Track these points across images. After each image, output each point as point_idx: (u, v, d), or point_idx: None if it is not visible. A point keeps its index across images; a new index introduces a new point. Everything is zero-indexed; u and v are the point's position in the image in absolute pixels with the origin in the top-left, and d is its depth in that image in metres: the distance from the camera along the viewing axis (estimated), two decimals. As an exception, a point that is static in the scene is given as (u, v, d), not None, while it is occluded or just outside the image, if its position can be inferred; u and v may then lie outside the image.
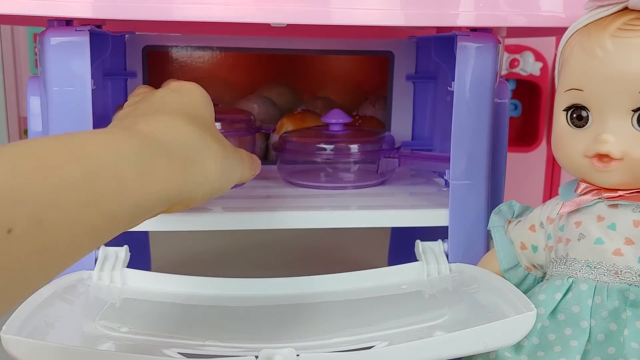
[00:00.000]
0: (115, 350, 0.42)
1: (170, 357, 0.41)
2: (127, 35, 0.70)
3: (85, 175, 0.33)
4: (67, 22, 0.51)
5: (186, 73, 0.74)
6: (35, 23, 0.66)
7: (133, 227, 0.38)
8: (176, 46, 0.73)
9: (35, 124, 0.54)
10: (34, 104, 0.54)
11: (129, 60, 0.71)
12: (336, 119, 0.65)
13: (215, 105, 0.63)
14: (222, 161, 0.44)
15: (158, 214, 0.40)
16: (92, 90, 0.50)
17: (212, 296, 0.53)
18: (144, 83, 0.71)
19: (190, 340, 0.44)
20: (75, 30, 0.50)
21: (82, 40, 0.50)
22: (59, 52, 0.49)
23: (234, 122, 0.64)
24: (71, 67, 0.50)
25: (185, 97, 0.46)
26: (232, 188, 0.48)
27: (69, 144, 0.34)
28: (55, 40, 0.49)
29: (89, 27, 0.50)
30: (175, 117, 0.43)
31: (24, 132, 1.32)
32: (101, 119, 0.68)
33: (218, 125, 0.60)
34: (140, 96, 0.48)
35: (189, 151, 0.41)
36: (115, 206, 0.34)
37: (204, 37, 0.72)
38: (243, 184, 0.59)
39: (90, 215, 0.33)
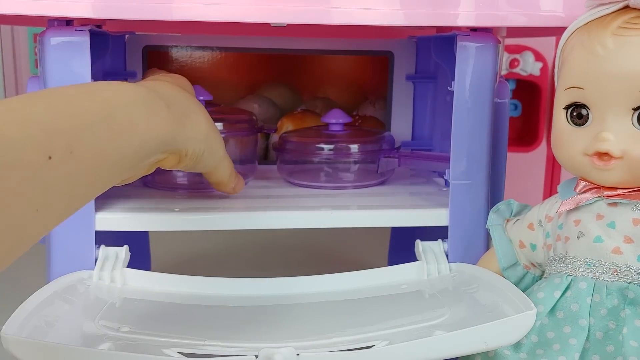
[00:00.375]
0: (115, 350, 0.42)
1: (171, 356, 0.41)
2: (127, 35, 0.70)
3: (104, 114, 0.37)
4: (67, 22, 0.51)
5: (186, 73, 0.74)
6: (35, 23, 0.66)
7: (136, 170, 0.43)
8: (176, 46, 0.73)
9: (35, 124, 0.54)
10: (34, 104, 0.54)
11: (129, 60, 0.71)
12: (336, 118, 0.65)
13: (216, 105, 0.63)
14: (209, 126, 0.49)
15: (156, 161, 0.45)
16: (92, 90, 0.50)
17: (212, 296, 0.53)
18: (144, 83, 0.71)
19: (191, 340, 0.44)
20: (75, 30, 0.50)
21: (82, 40, 0.50)
22: (59, 52, 0.49)
23: (236, 122, 0.64)
24: (71, 67, 0.50)
25: (176, 83, 0.50)
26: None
27: (88, 89, 0.40)
28: (55, 40, 0.49)
29: (89, 27, 0.50)
30: (169, 84, 0.48)
31: (24, 132, 1.32)
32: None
33: (220, 125, 0.60)
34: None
35: (184, 107, 0.47)
36: (127, 142, 0.39)
37: (204, 37, 0.72)
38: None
39: (108, 149, 0.37)
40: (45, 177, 0.32)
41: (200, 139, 0.48)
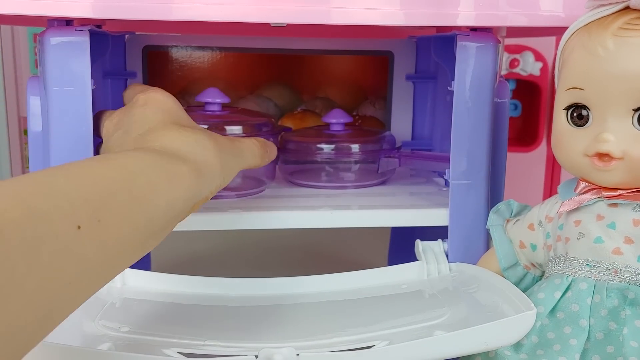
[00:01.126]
0: (115, 350, 0.42)
1: (171, 356, 0.41)
2: (127, 35, 0.70)
3: (124, 180, 0.37)
4: (67, 22, 0.51)
5: (186, 73, 0.74)
6: (35, 23, 0.66)
7: (169, 230, 0.41)
8: (176, 46, 0.73)
9: (35, 124, 0.54)
10: (34, 104, 0.54)
11: (129, 60, 0.71)
12: (337, 118, 0.65)
13: (232, 107, 0.60)
14: (220, 155, 0.46)
15: (185, 217, 0.43)
16: (92, 90, 0.50)
17: (212, 296, 0.53)
18: (144, 83, 0.71)
19: (191, 340, 0.44)
20: (75, 30, 0.50)
21: (82, 40, 0.50)
22: (59, 52, 0.49)
23: (256, 125, 0.62)
24: (71, 67, 0.50)
25: (158, 106, 0.48)
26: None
27: (106, 158, 0.39)
28: (55, 40, 0.49)
29: (89, 27, 0.50)
30: (167, 127, 0.46)
31: (24, 132, 1.32)
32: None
33: (239, 129, 0.59)
34: (116, 119, 0.49)
35: (194, 154, 0.44)
36: (152, 207, 0.38)
37: (204, 37, 0.72)
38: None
39: (134, 214, 0.36)
40: (76, 248, 0.32)
41: (216, 175, 0.45)
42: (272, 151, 0.54)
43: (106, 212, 0.34)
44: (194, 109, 0.61)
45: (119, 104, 0.70)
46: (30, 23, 0.72)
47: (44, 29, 0.51)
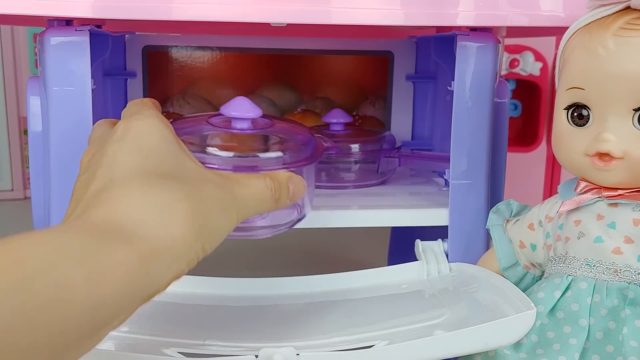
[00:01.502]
0: (115, 349, 0.42)
1: (170, 356, 0.41)
2: (127, 35, 0.70)
3: (15, 285, 0.28)
4: (67, 22, 0.51)
5: (186, 73, 0.74)
6: (35, 23, 0.66)
7: (102, 334, 0.31)
8: (176, 46, 0.73)
9: (35, 124, 0.54)
10: (34, 104, 0.54)
11: (129, 60, 0.71)
12: (337, 118, 0.65)
13: (272, 117, 0.52)
14: (195, 221, 0.36)
15: (133, 312, 0.33)
16: (92, 90, 0.50)
17: (212, 296, 0.53)
18: (144, 83, 0.71)
19: (190, 339, 0.44)
20: (75, 30, 0.50)
21: (82, 40, 0.50)
22: (59, 52, 0.49)
23: (294, 151, 0.50)
24: (71, 67, 0.50)
25: (137, 143, 0.38)
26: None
27: (6, 247, 0.29)
28: (55, 40, 0.49)
29: (89, 27, 0.50)
30: (130, 185, 0.36)
31: (23, 132, 1.32)
32: (101, 119, 0.68)
33: (278, 155, 0.49)
34: (90, 153, 0.41)
35: (150, 228, 0.34)
36: (59, 317, 0.29)
37: (204, 37, 0.72)
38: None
39: (24, 332, 0.27)
40: None
41: (189, 245, 0.35)
42: (298, 189, 0.44)
43: None
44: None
45: (118, 104, 0.71)
46: (30, 23, 0.72)
47: (44, 29, 0.51)
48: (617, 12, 0.43)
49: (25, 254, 0.29)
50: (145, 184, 0.36)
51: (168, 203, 0.35)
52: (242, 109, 0.49)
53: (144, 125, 0.39)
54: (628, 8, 0.42)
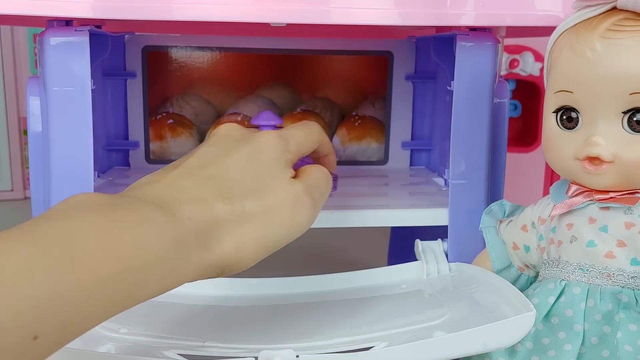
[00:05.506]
0: (114, 351, 0.42)
1: (170, 358, 0.41)
2: (126, 36, 0.70)
3: (115, 279, 0.31)
4: (67, 22, 0.51)
5: (186, 73, 0.74)
6: (35, 23, 0.66)
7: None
8: (176, 46, 0.72)
9: (35, 124, 0.54)
10: (34, 104, 0.54)
11: (129, 61, 0.71)
12: (267, 120, 0.61)
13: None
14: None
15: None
16: (92, 90, 0.50)
17: (212, 296, 0.53)
18: (144, 83, 0.71)
19: (190, 341, 0.44)
20: (75, 31, 0.50)
21: (81, 41, 0.49)
22: (59, 52, 0.49)
23: None
24: (71, 67, 0.50)
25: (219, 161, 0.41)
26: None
27: (107, 236, 0.32)
28: (55, 40, 0.49)
29: (88, 27, 0.50)
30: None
31: (23, 133, 1.32)
32: (101, 119, 0.68)
33: None
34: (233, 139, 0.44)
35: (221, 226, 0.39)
36: (132, 302, 0.34)
37: (204, 37, 0.72)
38: None
39: (109, 314, 0.32)
40: (28, 357, 0.28)
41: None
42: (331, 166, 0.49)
43: (77, 316, 0.30)
44: None
45: (118, 103, 0.71)
46: (30, 23, 0.72)
47: (44, 29, 0.51)
48: (603, 12, 0.42)
49: (127, 249, 0.33)
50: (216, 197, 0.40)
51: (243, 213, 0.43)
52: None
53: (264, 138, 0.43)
54: (614, 9, 0.41)
